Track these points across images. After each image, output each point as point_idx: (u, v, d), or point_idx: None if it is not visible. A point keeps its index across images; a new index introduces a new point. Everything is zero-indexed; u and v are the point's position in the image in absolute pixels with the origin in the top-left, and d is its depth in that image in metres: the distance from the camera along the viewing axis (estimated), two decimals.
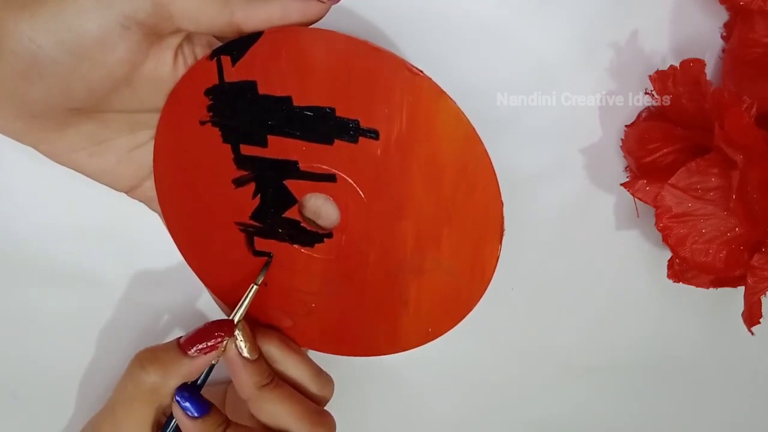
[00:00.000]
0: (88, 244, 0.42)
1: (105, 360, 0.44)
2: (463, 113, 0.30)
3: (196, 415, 0.34)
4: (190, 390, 0.34)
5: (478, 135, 0.30)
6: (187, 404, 0.34)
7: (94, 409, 0.44)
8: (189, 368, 0.34)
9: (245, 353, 0.35)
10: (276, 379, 0.36)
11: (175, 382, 0.34)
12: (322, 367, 0.38)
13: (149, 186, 0.36)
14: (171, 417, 0.35)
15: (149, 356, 0.34)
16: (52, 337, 0.43)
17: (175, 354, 0.34)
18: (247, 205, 0.35)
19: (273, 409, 0.35)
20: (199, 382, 0.35)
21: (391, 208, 0.33)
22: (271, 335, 0.37)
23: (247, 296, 0.36)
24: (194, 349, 0.34)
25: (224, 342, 0.34)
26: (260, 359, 0.36)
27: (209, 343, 0.34)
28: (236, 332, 0.35)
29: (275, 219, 0.35)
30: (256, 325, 0.37)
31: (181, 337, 0.35)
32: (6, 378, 0.44)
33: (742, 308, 0.39)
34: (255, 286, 0.36)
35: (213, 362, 0.35)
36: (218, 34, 0.32)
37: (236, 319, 0.35)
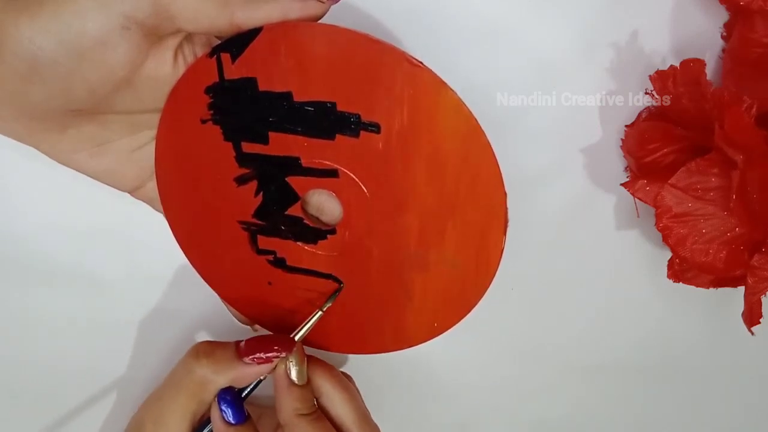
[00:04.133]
0: (88, 244, 0.42)
1: (105, 360, 0.44)
2: (464, 104, 0.30)
3: (231, 420, 0.34)
4: (233, 395, 0.35)
5: (479, 125, 0.30)
6: (226, 408, 0.34)
7: (93, 409, 0.44)
8: (239, 373, 0.34)
9: (293, 376, 0.35)
10: (317, 412, 0.36)
11: (223, 381, 0.34)
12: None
13: (152, 186, 0.36)
14: (207, 421, 0.35)
15: (207, 349, 0.35)
16: (52, 337, 0.43)
17: (231, 354, 0.35)
18: (250, 203, 0.35)
19: None
20: (244, 393, 0.35)
21: (394, 203, 0.33)
22: (326, 368, 0.37)
23: (310, 320, 0.36)
24: (250, 357, 0.34)
25: (279, 358, 0.35)
26: (306, 387, 0.36)
27: (265, 355, 0.34)
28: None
29: (278, 216, 0.35)
30: (315, 358, 0.37)
31: (241, 340, 0.35)
32: (6, 378, 0.44)
33: (742, 308, 0.39)
34: (320, 312, 0.36)
35: (261, 377, 0.35)
36: (218, 35, 0.32)
37: (296, 339, 0.35)
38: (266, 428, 0.38)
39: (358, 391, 0.39)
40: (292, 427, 0.35)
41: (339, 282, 0.36)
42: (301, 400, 0.35)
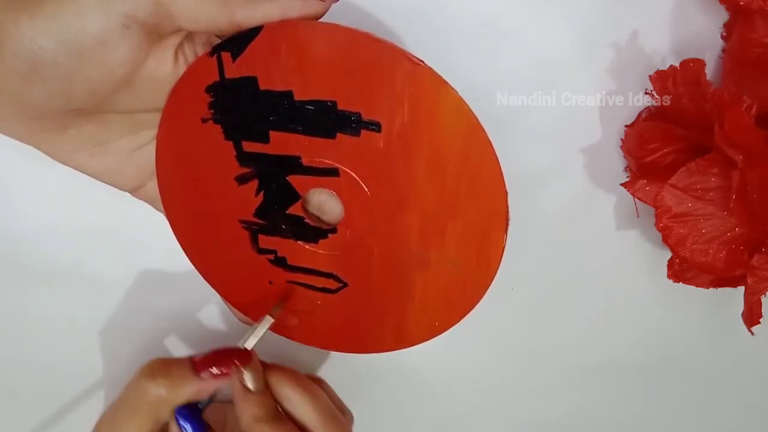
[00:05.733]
0: (88, 244, 0.42)
1: (105, 360, 0.44)
2: (465, 102, 0.30)
3: None
4: (191, 410, 0.34)
5: (480, 124, 0.30)
6: (186, 424, 0.34)
7: (93, 409, 0.44)
8: (196, 389, 0.34)
9: (247, 383, 0.35)
10: (277, 416, 0.35)
11: (180, 398, 0.34)
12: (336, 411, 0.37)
13: (153, 186, 0.36)
14: None
15: (161, 368, 0.34)
16: (52, 337, 0.43)
17: (186, 372, 0.34)
18: (251, 203, 0.35)
19: None
20: (201, 405, 0.35)
21: (394, 202, 0.33)
22: (285, 373, 0.36)
23: (258, 326, 0.36)
24: (207, 372, 0.34)
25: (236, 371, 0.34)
26: (264, 393, 0.35)
27: (222, 369, 0.34)
28: None
29: (279, 216, 0.35)
30: (274, 364, 0.37)
31: (195, 355, 0.35)
32: (6, 378, 0.44)
33: (742, 308, 0.39)
34: (270, 318, 0.36)
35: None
36: (218, 34, 0.32)
37: (249, 347, 0.35)
38: (235, 425, 0.38)
39: (332, 391, 0.39)
40: None
41: (340, 281, 0.36)
42: (258, 405, 0.35)
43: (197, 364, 0.34)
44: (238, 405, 0.35)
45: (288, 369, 0.37)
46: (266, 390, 0.36)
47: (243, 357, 0.35)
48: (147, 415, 0.34)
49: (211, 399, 0.35)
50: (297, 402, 0.36)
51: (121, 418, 0.34)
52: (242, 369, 0.35)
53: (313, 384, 0.37)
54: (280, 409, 0.36)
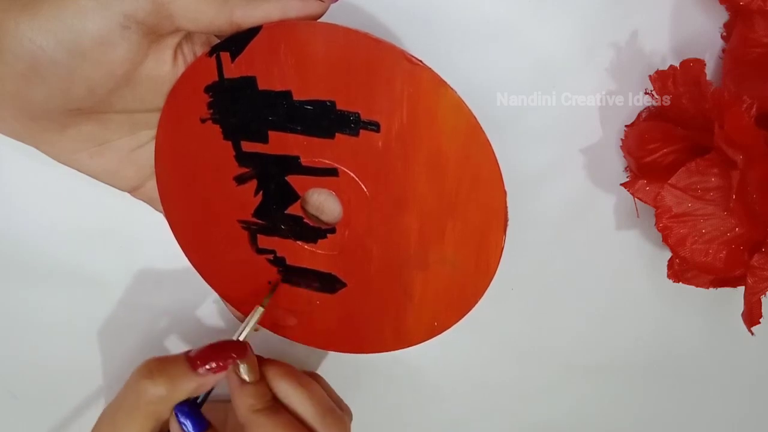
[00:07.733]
0: (88, 244, 0.42)
1: (105, 360, 0.44)
2: (464, 103, 0.30)
3: None
4: (190, 406, 0.34)
5: (479, 124, 0.30)
6: (186, 421, 0.34)
7: (93, 409, 0.44)
8: (195, 385, 0.34)
9: (242, 374, 0.35)
10: (274, 406, 0.35)
11: (179, 396, 0.33)
12: (335, 406, 0.37)
13: (152, 186, 0.36)
14: None
15: (158, 367, 0.33)
16: (52, 337, 0.43)
17: (183, 368, 0.33)
18: (250, 203, 0.35)
19: None
20: (199, 400, 0.35)
21: (394, 202, 0.33)
22: (281, 367, 0.36)
23: (251, 318, 0.36)
24: (204, 367, 0.34)
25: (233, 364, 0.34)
26: (260, 383, 0.35)
27: (220, 363, 0.34)
28: None
29: (278, 215, 0.35)
30: (270, 359, 0.37)
31: (189, 351, 0.34)
32: (6, 378, 0.44)
33: (742, 308, 0.39)
34: (261, 308, 0.36)
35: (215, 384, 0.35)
36: (217, 33, 0.32)
37: (241, 340, 0.35)
38: (236, 424, 0.38)
39: (330, 387, 0.39)
40: (250, 423, 0.34)
41: (340, 282, 0.36)
42: (254, 396, 0.35)
43: (194, 360, 0.34)
44: (234, 397, 0.35)
45: (283, 363, 0.37)
46: (262, 381, 0.36)
47: (239, 349, 0.34)
48: (147, 415, 0.33)
49: (209, 393, 0.35)
50: (293, 395, 0.36)
51: (121, 420, 0.34)
52: (238, 361, 0.34)
53: (308, 378, 0.37)
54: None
